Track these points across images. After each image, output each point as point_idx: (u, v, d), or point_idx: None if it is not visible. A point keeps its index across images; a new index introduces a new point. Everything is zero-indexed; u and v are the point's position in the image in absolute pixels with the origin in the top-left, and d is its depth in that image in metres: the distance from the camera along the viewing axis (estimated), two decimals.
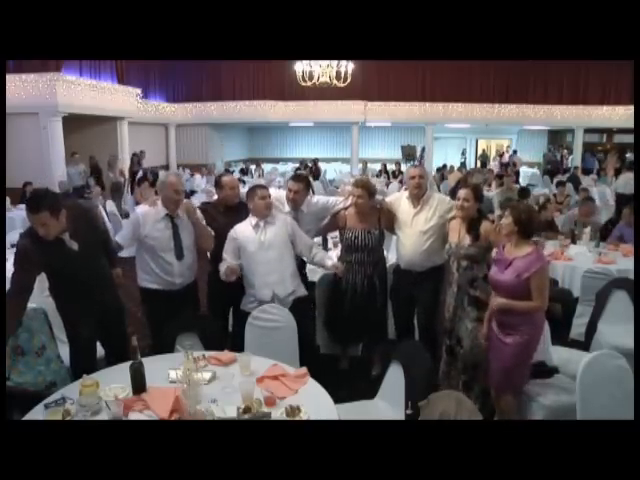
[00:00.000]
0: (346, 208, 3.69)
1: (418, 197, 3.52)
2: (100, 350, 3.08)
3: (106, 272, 3.05)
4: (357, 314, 3.60)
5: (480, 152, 19.49)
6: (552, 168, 15.39)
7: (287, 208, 3.59)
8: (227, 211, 3.51)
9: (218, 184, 3.59)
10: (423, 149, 17.63)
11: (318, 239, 4.81)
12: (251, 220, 3.26)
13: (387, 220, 3.69)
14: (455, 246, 3.22)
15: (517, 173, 13.33)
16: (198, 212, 3.35)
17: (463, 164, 18.13)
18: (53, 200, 2.62)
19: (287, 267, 3.23)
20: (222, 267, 3.17)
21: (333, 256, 4.12)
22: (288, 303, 3.22)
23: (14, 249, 4.66)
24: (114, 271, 3.16)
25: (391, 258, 4.11)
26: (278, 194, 3.70)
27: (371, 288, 3.61)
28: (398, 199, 3.70)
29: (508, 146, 18.81)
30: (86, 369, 2.45)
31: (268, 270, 3.18)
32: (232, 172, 14.20)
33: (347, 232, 3.62)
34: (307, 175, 4.71)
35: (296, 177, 3.66)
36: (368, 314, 3.61)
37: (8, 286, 2.66)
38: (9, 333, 2.64)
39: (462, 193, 3.21)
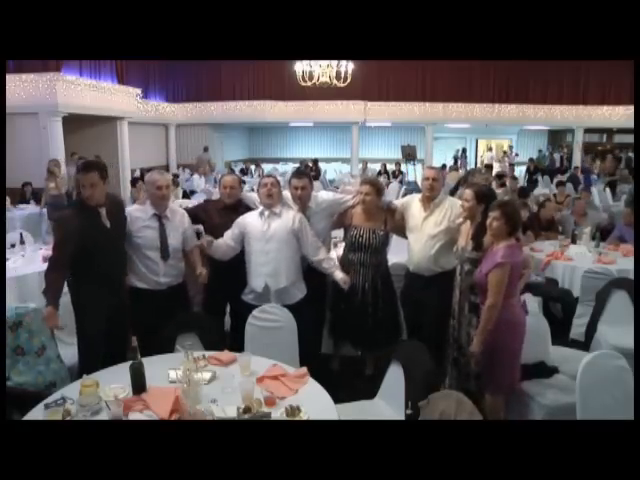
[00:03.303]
0: (353, 206, 3.66)
1: (430, 199, 3.49)
2: None
3: (125, 266, 3.17)
4: (356, 316, 3.56)
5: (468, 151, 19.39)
6: (546, 167, 15.35)
7: (295, 207, 3.47)
8: (224, 210, 3.52)
9: (219, 182, 3.70)
10: (464, 150, 17.68)
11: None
12: (260, 209, 3.31)
13: (396, 223, 3.66)
14: (461, 249, 3.20)
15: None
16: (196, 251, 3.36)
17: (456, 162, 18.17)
18: (102, 166, 2.99)
19: (284, 261, 3.22)
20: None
21: (334, 256, 4.11)
22: (284, 298, 3.21)
23: (15, 247, 4.68)
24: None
25: (390, 259, 4.08)
26: (286, 194, 3.60)
27: (373, 290, 3.57)
28: (409, 201, 3.67)
29: (510, 146, 18.85)
30: (93, 366, 2.50)
31: (264, 261, 3.20)
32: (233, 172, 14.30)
33: (352, 229, 3.60)
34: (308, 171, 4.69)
35: (298, 173, 3.63)
36: (369, 317, 3.57)
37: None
38: (52, 306, 2.76)
39: (465, 193, 3.22)
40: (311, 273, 3.42)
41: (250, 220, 3.29)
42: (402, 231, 3.70)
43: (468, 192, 3.18)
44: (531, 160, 14.65)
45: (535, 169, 13.67)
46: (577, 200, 6.21)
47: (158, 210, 3.22)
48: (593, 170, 12.83)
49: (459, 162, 16.83)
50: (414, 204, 3.60)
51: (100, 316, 2.96)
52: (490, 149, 18.08)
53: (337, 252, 4.18)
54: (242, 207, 3.53)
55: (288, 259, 3.25)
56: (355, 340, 3.81)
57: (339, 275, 3.34)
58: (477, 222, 3.12)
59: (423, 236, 3.48)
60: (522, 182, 11.66)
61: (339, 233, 4.21)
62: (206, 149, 15.23)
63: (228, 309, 3.70)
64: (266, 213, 3.24)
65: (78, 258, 2.90)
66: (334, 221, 3.75)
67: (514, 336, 2.80)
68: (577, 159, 16.29)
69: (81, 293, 2.99)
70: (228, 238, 3.30)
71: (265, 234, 3.21)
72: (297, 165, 15.43)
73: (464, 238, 3.22)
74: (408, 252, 3.66)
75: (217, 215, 3.50)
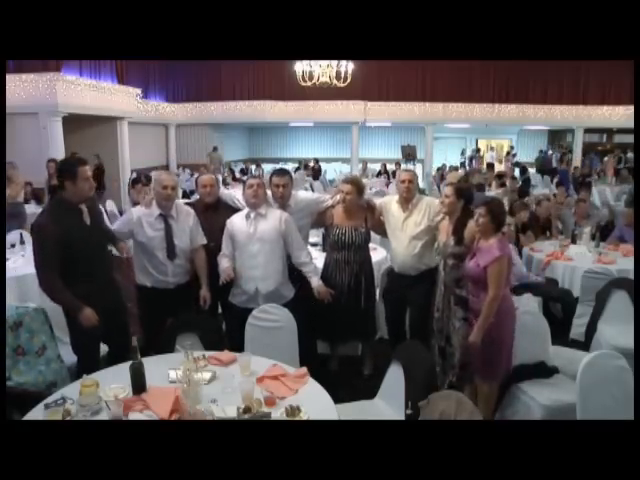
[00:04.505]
0: (333, 206, 3.68)
1: (407, 201, 3.54)
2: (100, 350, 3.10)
3: (110, 266, 3.12)
4: (343, 313, 3.58)
5: (470, 152, 19.36)
6: (543, 167, 15.34)
7: (274, 205, 3.47)
8: (205, 210, 3.52)
9: (195, 183, 3.72)
10: (478, 150, 17.77)
11: (317, 239, 4.81)
12: (245, 211, 3.29)
13: (377, 222, 3.70)
14: (442, 245, 3.28)
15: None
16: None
17: (463, 164, 18.18)
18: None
19: (272, 263, 3.21)
20: (220, 259, 3.23)
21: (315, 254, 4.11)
22: (273, 300, 3.18)
23: (15, 247, 4.63)
24: (119, 244, 3.21)
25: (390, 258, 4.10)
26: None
27: (357, 287, 3.61)
28: (388, 203, 3.70)
29: (511, 146, 18.86)
30: (90, 366, 2.51)
31: (253, 263, 3.19)
32: (233, 171, 14.32)
33: (334, 229, 3.62)
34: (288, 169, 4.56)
35: (279, 171, 3.60)
36: (354, 313, 3.61)
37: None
38: (83, 306, 2.76)
39: (445, 189, 3.33)
40: (300, 273, 3.41)
41: (236, 222, 3.27)
42: (382, 229, 3.74)
43: (448, 188, 3.30)
44: (517, 163, 14.67)
45: (523, 170, 13.64)
46: (580, 202, 6.17)
47: (164, 210, 3.23)
48: (569, 171, 12.88)
49: (474, 162, 16.78)
50: (392, 205, 3.64)
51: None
52: (492, 149, 18.14)
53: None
54: (222, 205, 3.55)
55: (276, 260, 3.23)
56: (336, 337, 3.82)
57: (315, 282, 3.33)
58: (456, 217, 3.22)
59: (405, 237, 3.53)
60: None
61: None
62: (215, 149, 15.29)
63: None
64: (252, 215, 3.23)
65: (64, 259, 2.84)
66: (314, 220, 3.76)
67: (508, 324, 2.93)
68: (577, 159, 16.28)
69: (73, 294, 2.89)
70: (225, 247, 3.26)
71: (252, 236, 3.19)
72: (297, 165, 15.48)
73: (444, 234, 3.30)
74: (391, 253, 3.72)
75: (200, 216, 3.46)
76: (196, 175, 13.30)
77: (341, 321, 3.61)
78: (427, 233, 3.48)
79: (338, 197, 3.64)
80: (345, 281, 3.60)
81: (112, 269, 3.15)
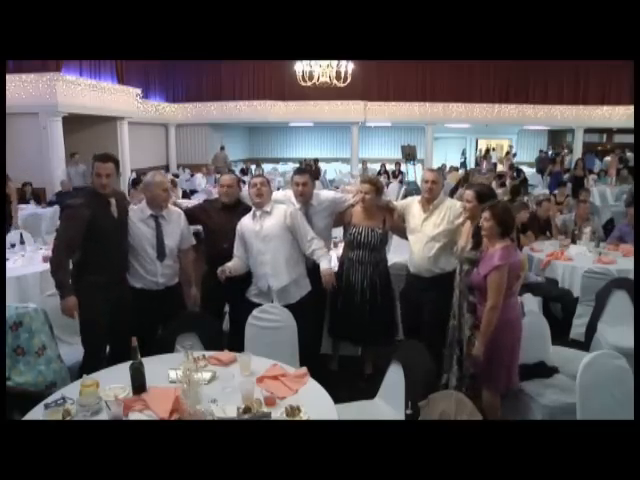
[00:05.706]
0: (353, 205, 3.69)
1: (429, 201, 3.52)
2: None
3: (126, 260, 3.21)
4: (355, 313, 3.58)
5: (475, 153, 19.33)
6: (543, 167, 15.34)
7: (297, 205, 3.54)
8: (223, 209, 3.53)
9: (218, 182, 3.72)
10: (487, 150, 17.80)
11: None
12: (253, 210, 3.33)
13: (396, 223, 3.69)
14: (460, 249, 3.21)
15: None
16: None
17: (463, 164, 18.17)
18: (117, 160, 3.17)
19: (281, 259, 3.22)
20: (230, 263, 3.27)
21: (333, 256, 4.12)
22: (289, 297, 3.22)
23: (15, 247, 4.64)
24: None
25: (391, 258, 4.09)
26: (287, 193, 3.73)
27: (371, 288, 3.59)
28: (410, 203, 3.70)
29: (510, 146, 18.85)
30: (97, 363, 2.60)
31: (262, 261, 3.22)
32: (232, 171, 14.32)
33: (351, 228, 3.64)
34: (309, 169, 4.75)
35: (300, 170, 3.73)
36: (367, 314, 3.59)
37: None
38: (72, 294, 2.91)
39: (465, 194, 3.24)
40: (312, 272, 3.42)
41: (245, 223, 3.31)
42: (401, 231, 3.73)
43: (469, 193, 3.20)
44: (511, 165, 14.72)
45: (518, 172, 13.63)
46: (581, 203, 6.15)
47: (155, 211, 3.24)
48: (562, 172, 12.94)
49: (483, 163, 16.70)
50: (414, 206, 3.63)
51: (103, 309, 3.01)
52: (494, 149, 18.18)
53: (337, 252, 4.20)
54: (241, 207, 3.54)
55: (286, 256, 3.24)
56: (353, 337, 3.82)
57: (324, 265, 3.29)
58: (477, 221, 3.10)
59: (423, 237, 3.50)
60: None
61: (339, 233, 4.24)
62: (222, 148, 15.30)
63: (226, 309, 3.70)
64: (258, 213, 3.26)
65: (85, 245, 2.96)
66: (334, 219, 3.78)
67: (511, 336, 2.83)
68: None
69: (85, 284, 3.00)
70: (239, 252, 3.30)
71: (259, 234, 3.22)
72: (297, 165, 15.48)
73: (464, 238, 3.23)
74: (409, 254, 3.68)
75: (216, 215, 3.52)
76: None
77: (357, 322, 3.58)
78: (445, 236, 3.44)
79: (358, 197, 3.65)
80: (358, 281, 3.59)
81: (126, 267, 3.21)
